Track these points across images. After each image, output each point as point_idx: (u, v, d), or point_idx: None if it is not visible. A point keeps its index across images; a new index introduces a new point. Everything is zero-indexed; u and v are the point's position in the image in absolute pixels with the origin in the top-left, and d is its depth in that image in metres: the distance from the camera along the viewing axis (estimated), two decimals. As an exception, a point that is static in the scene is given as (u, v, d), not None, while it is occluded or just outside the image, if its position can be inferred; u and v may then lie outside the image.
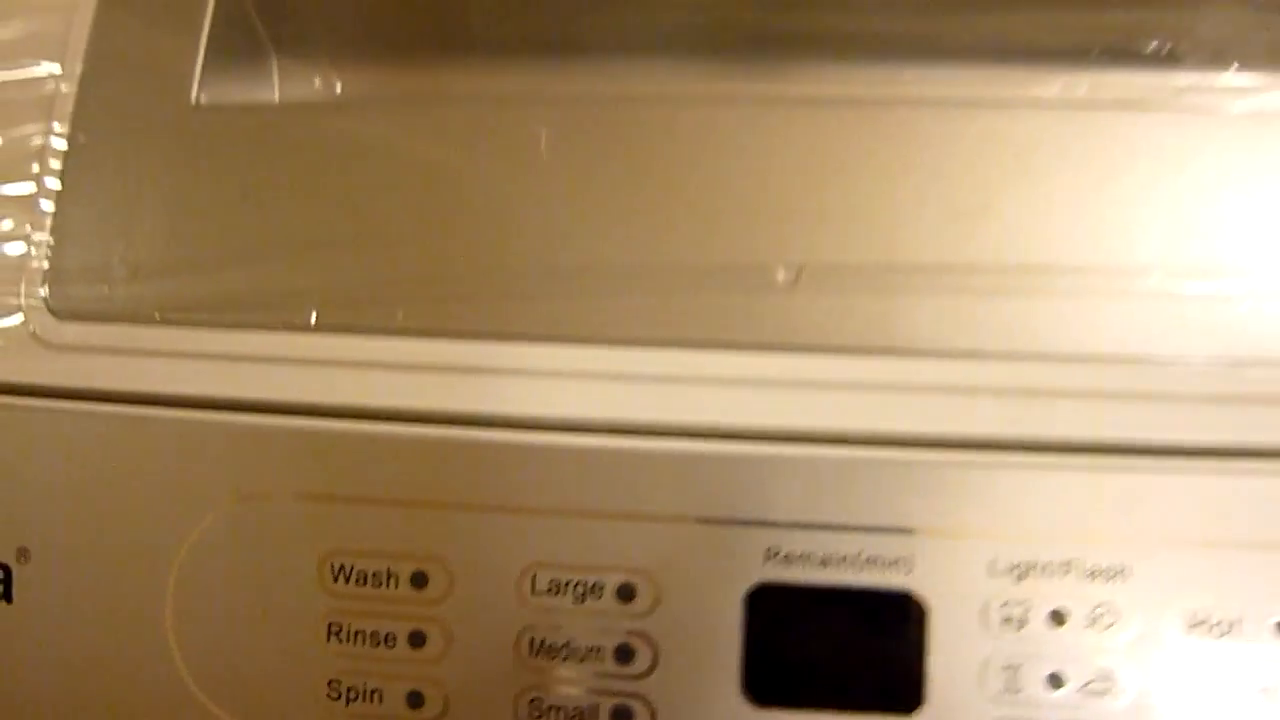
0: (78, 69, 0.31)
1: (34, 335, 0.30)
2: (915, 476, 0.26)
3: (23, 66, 0.32)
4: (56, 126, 0.31)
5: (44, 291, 0.30)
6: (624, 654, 0.27)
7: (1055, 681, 0.26)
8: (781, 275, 0.27)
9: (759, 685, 0.26)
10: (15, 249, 0.30)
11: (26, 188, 0.31)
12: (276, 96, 0.34)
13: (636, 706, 0.27)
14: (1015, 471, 0.26)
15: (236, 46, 0.33)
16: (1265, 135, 0.28)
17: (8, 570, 0.29)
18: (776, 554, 0.27)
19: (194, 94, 0.31)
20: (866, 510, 0.26)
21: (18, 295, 0.30)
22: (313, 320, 0.28)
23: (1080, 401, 0.27)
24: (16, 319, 0.30)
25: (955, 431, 0.26)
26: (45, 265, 0.30)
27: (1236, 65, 0.32)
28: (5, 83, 0.32)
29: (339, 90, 0.34)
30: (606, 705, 0.27)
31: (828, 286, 0.27)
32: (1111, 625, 0.26)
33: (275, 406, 0.28)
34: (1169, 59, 0.32)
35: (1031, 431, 0.26)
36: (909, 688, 0.26)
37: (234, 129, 0.30)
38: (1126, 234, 0.28)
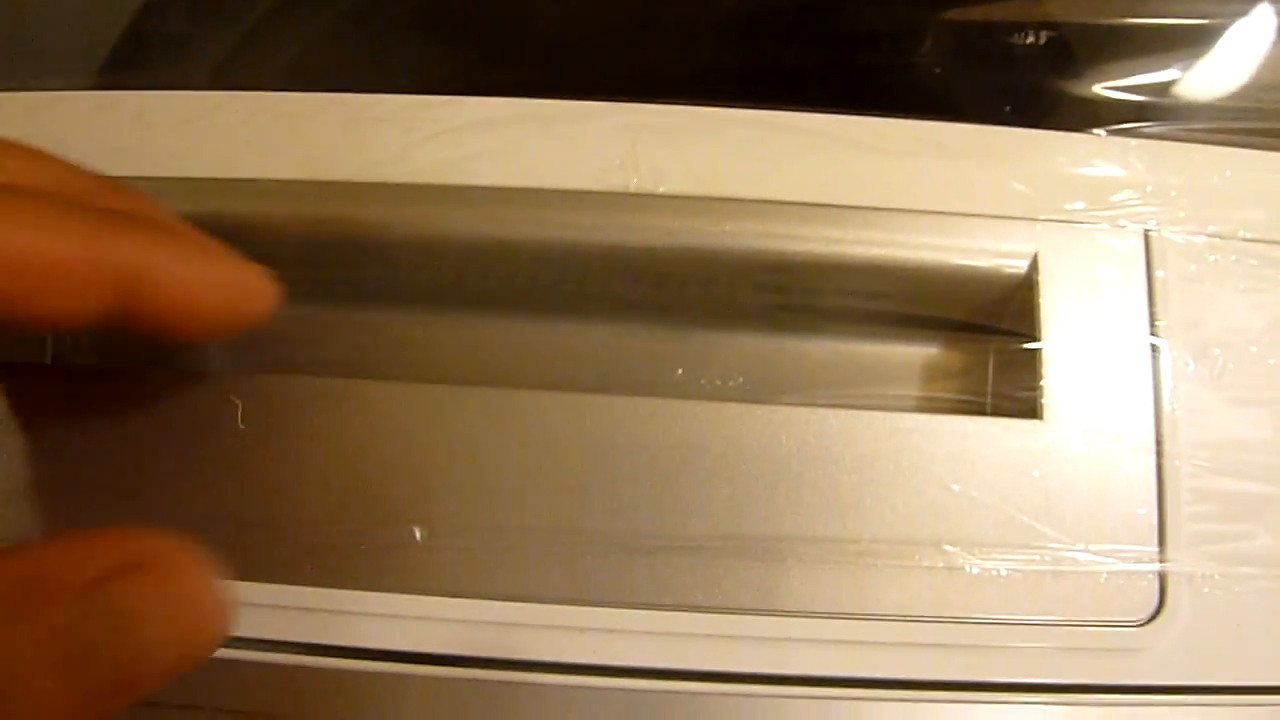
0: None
1: None
2: (510, 692, 0.34)
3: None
4: None
5: None
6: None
7: None
8: (418, 534, 0.35)
9: None
10: None
11: None
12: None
13: None
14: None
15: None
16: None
17: None
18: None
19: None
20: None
21: None
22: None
23: (650, 638, 0.35)
24: None
25: (550, 659, 0.34)
26: None
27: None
28: None
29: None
30: None
31: (456, 544, 0.35)
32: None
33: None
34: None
35: (599, 660, 0.34)
36: None
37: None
38: (696, 507, 0.35)
